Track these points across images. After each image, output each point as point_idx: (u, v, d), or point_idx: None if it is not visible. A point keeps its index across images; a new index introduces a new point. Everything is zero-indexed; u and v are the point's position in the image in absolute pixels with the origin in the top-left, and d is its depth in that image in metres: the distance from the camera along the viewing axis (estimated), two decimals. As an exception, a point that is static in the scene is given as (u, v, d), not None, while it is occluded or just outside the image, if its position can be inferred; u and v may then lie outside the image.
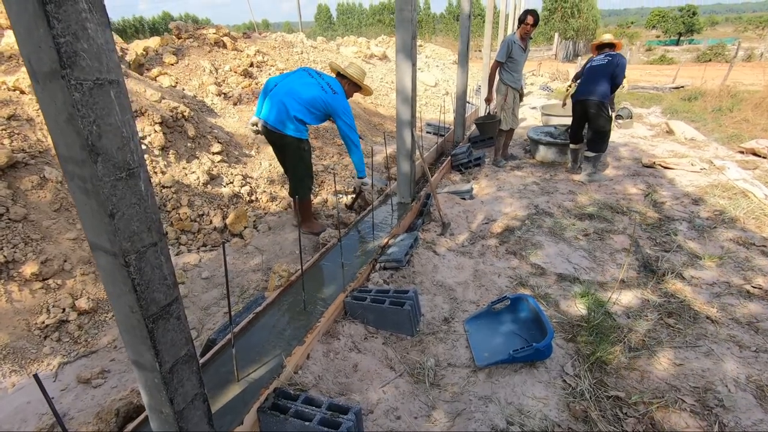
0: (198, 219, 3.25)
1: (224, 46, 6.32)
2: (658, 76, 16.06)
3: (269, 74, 6.30)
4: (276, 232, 3.46)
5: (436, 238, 3.42)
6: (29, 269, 2.30)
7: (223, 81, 5.55)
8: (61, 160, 1.04)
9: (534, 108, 10.13)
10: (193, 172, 3.58)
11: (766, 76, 12.26)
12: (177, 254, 2.95)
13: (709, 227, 3.46)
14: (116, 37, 5.11)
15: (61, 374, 2.06)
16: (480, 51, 22.35)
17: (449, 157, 5.24)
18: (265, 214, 3.74)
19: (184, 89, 5.07)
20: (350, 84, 3.23)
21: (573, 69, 16.59)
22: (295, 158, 3.15)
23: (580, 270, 2.93)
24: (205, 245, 3.11)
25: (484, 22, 8.31)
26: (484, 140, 6.42)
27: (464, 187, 4.37)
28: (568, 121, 5.70)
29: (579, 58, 20.32)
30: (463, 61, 5.72)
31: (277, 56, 7.18)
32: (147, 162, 3.31)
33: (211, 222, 3.29)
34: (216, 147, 4.03)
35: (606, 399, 1.88)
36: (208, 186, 3.59)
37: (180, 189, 3.33)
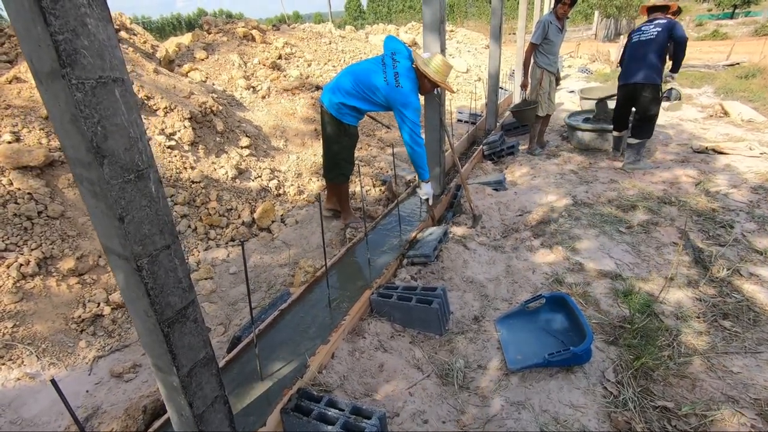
0: (226, 214, 3.27)
1: (253, 39, 6.34)
2: (710, 53, 14.90)
3: (297, 66, 6.28)
4: (303, 226, 3.44)
5: (466, 232, 3.29)
6: (66, 265, 2.38)
7: (252, 74, 5.57)
8: (69, 162, 1.01)
9: (572, 92, 9.63)
10: (222, 167, 3.60)
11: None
12: (206, 249, 2.98)
13: (771, 218, 3.13)
14: (147, 35, 5.23)
15: (95, 368, 2.12)
16: (514, 34, 21.52)
17: (481, 146, 5.05)
18: (293, 207, 3.73)
19: (214, 84, 5.13)
20: (427, 79, 2.89)
21: (615, 49, 15.66)
22: (331, 139, 3.07)
23: (623, 266, 2.73)
24: (233, 240, 3.13)
25: (518, 2, 7.92)
26: (517, 127, 6.17)
27: (496, 177, 4.18)
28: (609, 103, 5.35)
29: (621, 37, 19.13)
30: (495, 44, 5.47)
31: (306, 47, 7.15)
32: (177, 157, 3.36)
33: (239, 216, 3.31)
34: (244, 141, 4.05)
35: (652, 409, 1.73)
36: (237, 180, 3.61)
37: (209, 184, 3.37)
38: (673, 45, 3.92)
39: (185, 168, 3.34)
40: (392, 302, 2.29)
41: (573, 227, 3.24)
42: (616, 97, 4.45)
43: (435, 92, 3.21)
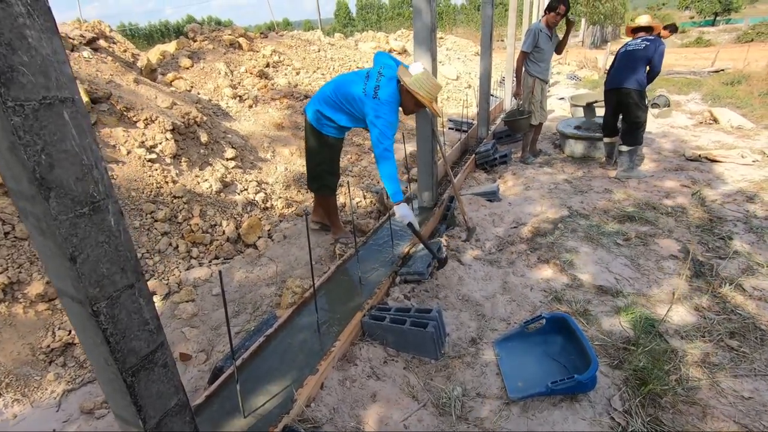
0: (210, 230, 3.13)
1: (240, 47, 6.22)
2: (695, 60, 15.14)
3: (285, 74, 6.16)
4: (292, 241, 3.31)
5: (461, 245, 3.18)
6: (34, 290, 2.22)
7: (239, 83, 5.44)
8: (11, 194, 0.88)
9: (562, 99, 9.65)
10: (206, 180, 3.46)
11: (818, 54, 11.30)
12: (188, 269, 2.83)
13: (769, 229, 3.08)
14: (128, 43, 5.08)
15: (65, 402, 1.96)
16: (502, 41, 21.69)
17: (473, 156, 4.97)
18: (281, 221, 3.59)
19: (199, 93, 4.99)
20: (412, 97, 2.65)
21: (602, 56, 15.83)
22: (311, 149, 2.96)
23: (623, 281, 2.64)
24: (217, 257, 2.98)
25: (506, 10, 7.92)
26: (509, 135, 6.11)
27: (489, 187, 4.10)
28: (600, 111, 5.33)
29: (608, 44, 19.39)
30: (486, 53, 5.42)
31: (294, 55, 7.04)
32: (158, 171, 3.21)
33: (223, 232, 3.16)
34: (230, 152, 3.91)
35: (663, 442, 1.62)
36: (221, 194, 3.46)
37: (192, 199, 3.22)
38: (651, 68, 4.03)
39: (167, 182, 3.19)
40: (385, 325, 2.16)
41: (569, 240, 3.15)
42: (603, 103, 4.46)
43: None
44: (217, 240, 3.08)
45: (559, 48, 4.66)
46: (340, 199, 4.11)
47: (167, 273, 2.73)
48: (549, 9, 4.31)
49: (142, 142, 3.28)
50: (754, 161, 4.42)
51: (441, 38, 14.23)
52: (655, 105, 8.22)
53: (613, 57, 4.34)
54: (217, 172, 3.60)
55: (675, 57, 15.87)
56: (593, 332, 2.20)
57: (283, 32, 8.04)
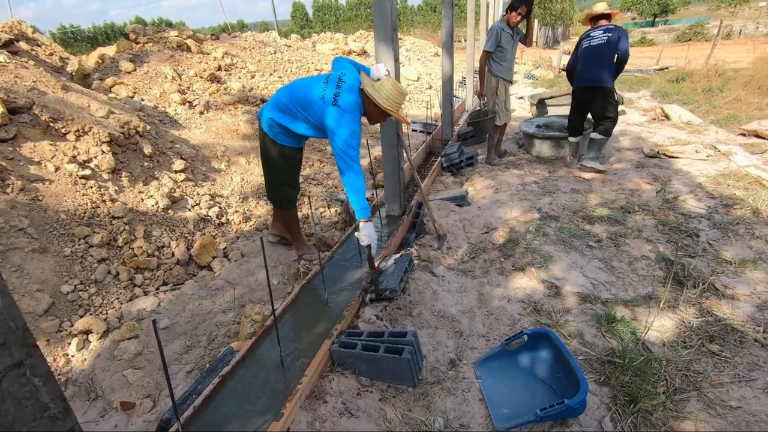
0: (157, 252, 2.80)
1: (188, 49, 5.81)
2: (641, 58, 15.90)
3: (239, 78, 5.82)
4: (250, 259, 3.03)
5: (432, 255, 3.03)
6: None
7: (188, 88, 5.06)
8: None
9: (521, 98, 9.80)
10: (151, 197, 3.12)
11: (747, 53, 12.12)
12: (130, 299, 2.50)
13: (731, 224, 3.13)
14: (55, 46, 4.59)
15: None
16: (459, 41, 21.97)
17: (439, 158, 4.85)
18: (238, 238, 3.30)
19: (143, 99, 4.58)
20: (377, 106, 2.42)
21: (555, 55, 16.32)
22: (268, 160, 2.71)
23: (600, 286, 2.57)
24: (165, 284, 2.67)
25: (462, 11, 7.91)
26: (474, 136, 6.06)
27: (458, 191, 3.98)
28: (560, 110, 5.38)
29: (560, 44, 20.06)
30: (447, 53, 5.33)
31: (249, 57, 6.69)
32: (93, 189, 2.85)
33: (173, 254, 2.85)
34: (178, 164, 3.57)
35: (660, 467, 1.52)
36: (170, 211, 3.13)
37: (134, 218, 2.88)
38: (617, 57, 3.99)
39: (104, 201, 2.84)
40: (356, 353, 1.96)
41: (542, 244, 3.07)
42: (571, 104, 4.44)
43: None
44: (166, 263, 2.77)
45: (527, 40, 4.62)
46: (302, 209, 3.86)
47: (105, 306, 2.40)
48: (511, 8, 4.25)
49: (74, 157, 2.91)
50: (707, 156, 4.56)
51: (400, 39, 14.17)
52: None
53: (575, 51, 4.29)
54: (164, 187, 3.26)
55: (623, 56, 16.57)
56: (576, 345, 2.10)
57: (236, 34, 7.65)
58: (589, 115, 4.37)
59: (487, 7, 10.12)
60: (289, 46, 8.11)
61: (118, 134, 3.16)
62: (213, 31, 12.33)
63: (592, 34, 4.12)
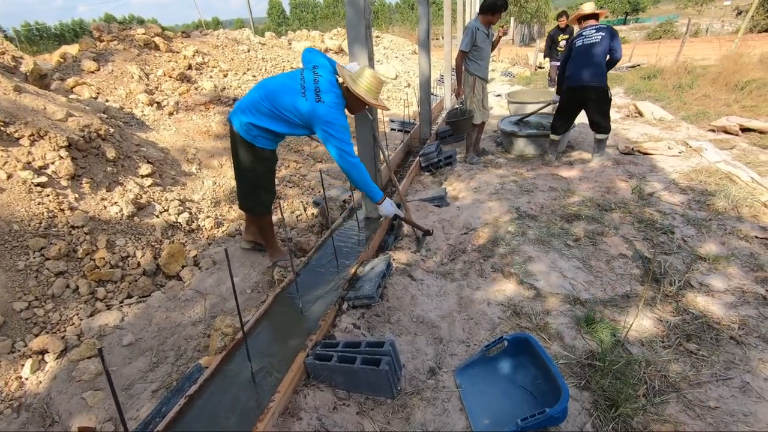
0: (121, 263, 2.65)
1: (156, 47, 5.59)
2: (615, 56, 16.19)
3: (211, 77, 5.63)
4: (223, 267, 2.91)
5: (411, 258, 2.97)
6: None
7: (156, 88, 4.86)
8: None
9: (499, 95, 9.85)
10: (115, 203, 2.96)
11: (714, 50, 12.51)
12: (91, 315, 2.35)
13: (704, 220, 3.17)
14: (7, 45, 4.32)
15: None
16: (437, 39, 22.01)
17: (417, 158, 4.80)
18: (210, 244, 3.17)
19: (107, 100, 4.37)
20: (355, 97, 2.49)
21: (532, 53, 16.50)
22: (244, 165, 2.56)
23: (578, 286, 2.56)
24: (130, 296, 2.53)
25: (439, 9, 7.89)
26: (452, 135, 6.04)
27: (437, 192, 3.93)
28: (535, 108, 5.40)
29: (536, 41, 20.32)
30: (424, 51, 5.27)
31: (221, 56, 6.49)
32: (50, 197, 2.67)
33: (138, 265, 2.70)
34: (145, 168, 3.40)
35: (642, 474, 1.49)
36: (135, 218, 2.98)
37: (96, 227, 2.72)
38: (608, 58, 4.01)
39: (62, 210, 2.67)
40: (332, 365, 1.88)
41: (521, 244, 3.05)
42: (559, 103, 4.42)
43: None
44: (131, 275, 2.62)
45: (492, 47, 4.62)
46: (277, 213, 3.74)
47: (64, 323, 2.25)
48: (487, 10, 4.20)
49: (28, 163, 2.72)
50: (680, 152, 4.64)
51: (378, 37, 14.08)
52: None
53: (567, 50, 4.26)
54: (129, 193, 3.10)
55: (596, 53, 16.87)
56: (556, 349, 2.07)
57: (207, 31, 7.42)
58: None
59: (464, 5, 10.11)
60: (264, 44, 7.92)
61: (77, 138, 2.98)
62: (186, 29, 11.96)
63: (584, 33, 4.09)
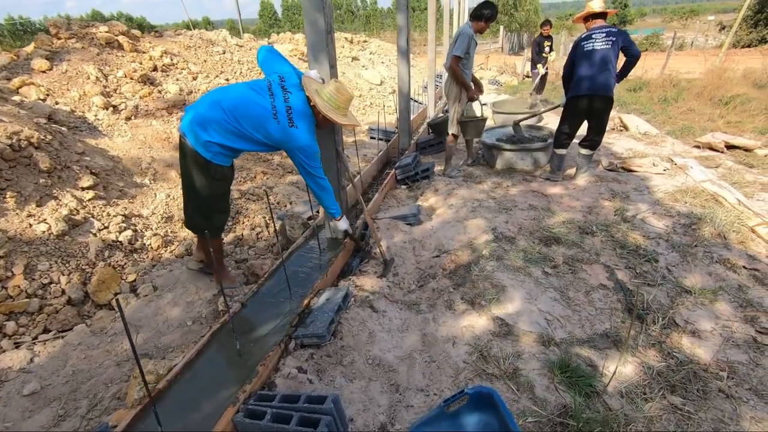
0: (41, 291, 2.34)
1: (120, 47, 5.26)
2: (601, 67, 16.21)
3: (178, 80, 5.31)
4: (164, 294, 2.61)
5: (376, 285, 2.71)
6: None
7: (115, 90, 4.53)
8: None
9: (484, 104, 9.67)
10: (44, 221, 2.64)
11: (699, 64, 12.57)
12: (-8, 355, 2.03)
13: (690, 246, 2.97)
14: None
15: None
16: (427, 46, 21.91)
17: (393, 170, 4.55)
18: (154, 266, 2.87)
19: (57, 103, 4.03)
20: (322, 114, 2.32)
21: (520, 62, 16.45)
22: (197, 183, 2.27)
23: (554, 322, 2.32)
24: (47, 331, 2.21)
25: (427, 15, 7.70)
26: (433, 145, 5.82)
27: (409, 209, 3.68)
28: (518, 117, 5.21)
29: (525, 50, 20.35)
30: (404, 61, 5.04)
31: (192, 57, 6.18)
32: (-39, 215, 2.34)
33: (62, 292, 2.39)
34: (87, 180, 3.09)
35: None
36: (66, 237, 2.66)
37: (15, 249, 2.40)
38: (626, 59, 3.72)
39: (-25, 229, 2.35)
40: (264, 426, 1.60)
41: (496, 270, 2.81)
42: (564, 112, 4.14)
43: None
44: (51, 305, 2.30)
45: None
46: (237, 230, 3.45)
47: (-42, 366, 1.93)
48: (482, 18, 4.00)
49: (-60, 175, 2.40)
50: (665, 170, 4.47)
51: (365, 41, 13.87)
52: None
53: (571, 55, 3.94)
54: (63, 208, 2.78)
55: (584, 64, 16.88)
56: (525, 403, 1.82)
57: (181, 31, 7.10)
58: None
59: (451, 13, 9.94)
60: (241, 46, 7.62)
61: (3, 147, 2.66)
62: (177, 28, 11.57)
63: (593, 36, 3.74)
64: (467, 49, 4.05)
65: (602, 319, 2.33)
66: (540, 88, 8.74)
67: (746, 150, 5.25)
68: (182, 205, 2.45)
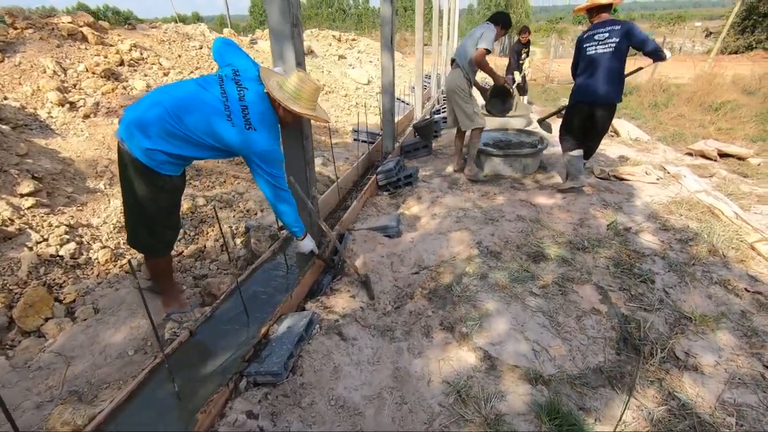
0: (-46, 317, 2.02)
1: (84, 39, 4.91)
2: (591, 70, 16.17)
3: (147, 75, 4.98)
4: (105, 318, 2.31)
5: (348, 306, 2.44)
6: None
7: (74, 85, 4.19)
8: None
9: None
10: (-32, 233, 2.32)
11: (687, 69, 12.54)
12: None
13: (687, 264, 2.77)
14: None
15: None
16: (427, 45, 21.66)
17: (375, 176, 4.28)
18: (100, 284, 2.56)
19: (6, 98, 3.68)
20: (285, 110, 2.05)
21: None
22: (140, 196, 1.96)
23: (542, 354, 2.08)
24: (-44, 366, 1.90)
25: (412, 11, 7.48)
26: (418, 149, 5.57)
27: (389, 219, 3.42)
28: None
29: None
30: (388, 56, 4.78)
31: (166, 52, 5.84)
32: None
33: (-18, 318, 2.07)
34: (27, 185, 2.76)
35: None
36: (-5, 252, 2.34)
37: (-74, 268, 2.08)
38: (643, 51, 3.41)
39: None
40: (196, 494, 1.33)
41: (479, 290, 2.56)
42: (566, 116, 3.95)
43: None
44: (-35, 333, 1.99)
45: None
46: (200, 241, 3.15)
47: None
48: (504, 25, 3.96)
49: None
50: (658, 179, 4.28)
51: (354, 40, 13.58)
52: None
53: (576, 53, 3.67)
54: (-5, 218, 2.46)
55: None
56: (509, 458, 1.57)
57: (156, 24, 6.74)
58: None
59: (441, 14, 9.70)
60: (221, 42, 7.27)
61: None
62: (166, 22, 11.13)
63: (597, 37, 3.45)
64: (492, 44, 3.90)
65: (595, 351, 2.10)
66: (524, 89, 8.69)
67: (739, 158, 5.11)
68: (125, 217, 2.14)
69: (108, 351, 2.13)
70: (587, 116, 3.72)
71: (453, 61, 4.27)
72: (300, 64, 2.30)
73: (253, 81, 2.02)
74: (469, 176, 4.35)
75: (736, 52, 19.40)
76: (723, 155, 5.18)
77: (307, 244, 2.46)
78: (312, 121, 2.47)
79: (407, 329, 2.30)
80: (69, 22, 4.86)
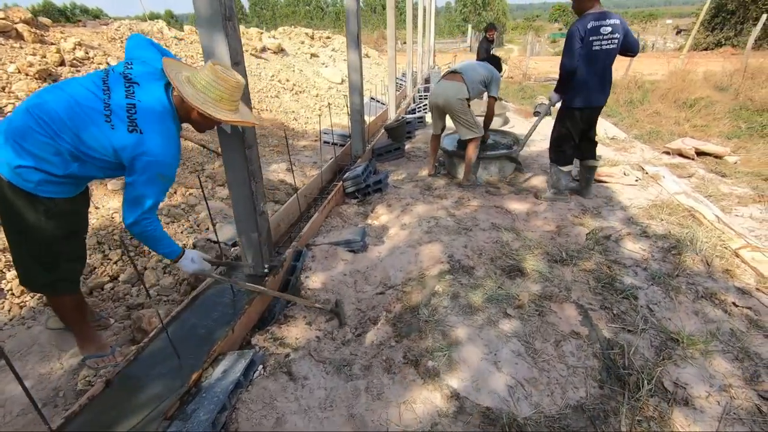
0: None
1: (20, 37, 4.46)
2: (567, 68, 16.20)
3: (92, 76, 4.56)
4: (13, 362, 1.96)
5: (302, 335, 2.17)
6: None
7: (3, 88, 3.76)
8: None
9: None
10: None
11: (661, 65, 12.63)
12: None
13: (671, 276, 2.58)
14: None
15: None
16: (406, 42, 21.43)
17: (341, 182, 3.99)
18: (11, 319, 2.20)
19: None
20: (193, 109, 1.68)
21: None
22: (21, 226, 1.61)
23: (518, 389, 1.83)
24: None
25: (401, 13, 7.20)
26: (390, 151, 5.31)
27: (353, 231, 3.14)
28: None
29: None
30: (355, 52, 4.49)
31: (117, 50, 5.41)
32: None
33: None
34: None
35: None
36: None
37: None
38: (632, 54, 3.22)
39: None
40: None
41: (449, 313, 2.31)
42: (565, 126, 3.46)
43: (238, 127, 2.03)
44: None
45: None
46: (140, 262, 2.81)
47: None
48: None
49: None
50: (636, 180, 4.13)
51: (328, 38, 13.22)
52: (536, 113, 8.16)
53: (580, 48, 3.08)
54: None
55: (550, 64, 16.90)
56: None
57: (107, 20, 6.28)
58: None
59: (415, 12, 9.44)
60: (181, 40, 6.86)
61: None
62: (141, 21, 10.51)
63: (602, 30, 3.01)
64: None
65: (575, 383, 1.87)
66: None
67: (716, 157, 5.02)
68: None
69: (10, 405, 1.79)
70: (587, 120, 3.41)
71: (452, 72, 3.97)
72: (238, 64, 1.99)
73: (150, 76, 1.65)
74: (467, 185, 4.10)
75: (706, 49, 19.79)
76: (700, 153, 5.09)
77: (187, 264, 1.90)
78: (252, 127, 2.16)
79: (367, 363, 2.02)
80: (1, 19, 4.40)
